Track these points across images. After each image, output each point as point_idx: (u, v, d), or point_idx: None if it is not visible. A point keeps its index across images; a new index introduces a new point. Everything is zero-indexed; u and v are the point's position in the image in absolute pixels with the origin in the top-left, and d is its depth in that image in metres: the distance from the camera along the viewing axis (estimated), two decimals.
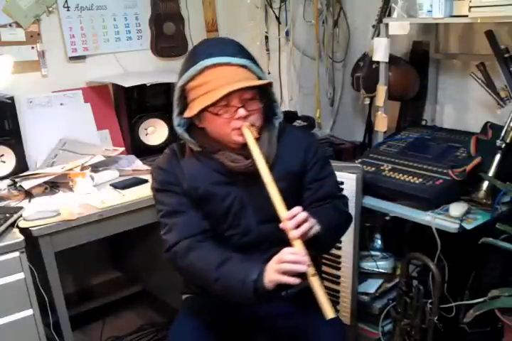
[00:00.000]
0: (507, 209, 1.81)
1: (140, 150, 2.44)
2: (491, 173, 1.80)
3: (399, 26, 2.14)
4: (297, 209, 1.28)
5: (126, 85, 2.29)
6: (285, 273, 1.24)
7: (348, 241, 2.04)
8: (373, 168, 2.10)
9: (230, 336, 1.55)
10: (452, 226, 1.75)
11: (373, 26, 2.37)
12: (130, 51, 2.56)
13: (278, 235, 1.29)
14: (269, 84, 1.44)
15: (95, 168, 2.12)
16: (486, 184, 1.80)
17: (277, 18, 2.72)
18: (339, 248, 2.07)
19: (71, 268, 2.49)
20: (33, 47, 2.27)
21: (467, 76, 2.22)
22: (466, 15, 1.86)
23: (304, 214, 1.28)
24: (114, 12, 2.48)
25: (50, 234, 1.76)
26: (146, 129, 2.47)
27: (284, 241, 1.28)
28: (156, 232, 1.53)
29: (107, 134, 2.45)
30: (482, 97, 2.21)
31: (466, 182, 1.86)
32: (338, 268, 2.10)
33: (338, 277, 2.10)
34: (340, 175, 1.97)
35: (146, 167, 2.22)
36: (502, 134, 1.83)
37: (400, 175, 2.01)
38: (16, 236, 1.67)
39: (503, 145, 1.82)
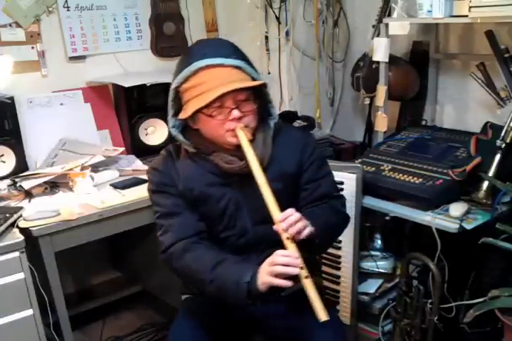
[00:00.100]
0: (507, 209, 1.81)
1: (140, 150, 2.43)
2: (491, 173, 1.80)
3: (399, 26, 2.14)
4: (290, 210, 1.28)
5: (126, 85, 2.29)
6: (277, 275, 1.24)
7: (348, 241, 2.04)
8: (373, 168, 2.10)
9: (229, 336, 1.55)
10: (452, 226, 1.75)
11: (373, 26, 2.37)
12: (130, 51, 2.56)
13: (274, 236, 1.29)
14: (263, 85, 1.44)
15: (95, 168, 2.12)
16: (486, 184, 1.80)
17: (277, 18, 2.72)
18: (339, 248, 2.07)
19: (71, 268, 2.49)
20: (33, 47, 2.27)
21: (467, 76, 2.22)
22: (466, 15, 1.86)
23: (296, 215, 1.28)
24: (114, 12, 2.48)
25: (50, 234, 1.76)
26: (146, 129, 2.46)
27: (281, 242, 1.28)
28: (156, 232, 1.53)
29: (107, 134, 2.45)
30: (482, 97, 2.21)
31: (466, 182, 1.86)
32: (338, 268, 2.10)
33: (338, 277, 2.10)
34: (340, 175, 1.98)
35: (146, 167, 2.22)
36: (502, 134, 1.83)
37: (400, 175, 2.01)
38: (16, 236, 1.67)
39: (503, 145, 1.82)
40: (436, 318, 1.85)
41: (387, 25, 2.19)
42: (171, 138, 1.54)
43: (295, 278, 1.24)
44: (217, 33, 2.79)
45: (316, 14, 2.70)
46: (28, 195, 1.97)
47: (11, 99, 2.14)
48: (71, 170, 2.00)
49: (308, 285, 1.21)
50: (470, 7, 1.82)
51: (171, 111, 1.47)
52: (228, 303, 1.38)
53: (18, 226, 1.73)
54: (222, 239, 1.49)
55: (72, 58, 2.40)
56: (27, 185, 1.96)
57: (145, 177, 2.09)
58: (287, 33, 2.73)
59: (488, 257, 1.85)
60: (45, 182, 2.01)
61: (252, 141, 1.42)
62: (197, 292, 1.56)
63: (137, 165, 2.26)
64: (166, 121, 2.45)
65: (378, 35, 2.28)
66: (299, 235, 1.28)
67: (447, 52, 2.41)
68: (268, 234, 1.31)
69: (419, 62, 2.43)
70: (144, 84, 2.32)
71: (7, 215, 1.74)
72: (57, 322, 1.85)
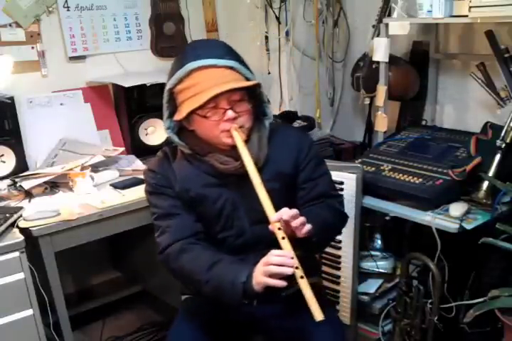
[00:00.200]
0: (507, 209, 1.81)
1: (140, 150, 2.43)
2: (491, 173, 1.80)
3: (399, 26, 2.14)
4: (285, 209, 1.28)
5: (126, 85, 2.29)
6: (272, 275, 1.24)
7: (348, 241, 2.04)
8: (373, 168, 2.10)
9: (228, 337, 1.55)
10: (452, 226, 1.75)
11: (373, 26, 2.37)
12: (130, 51, 2.56)
13: (272, 236, 1.28)
14: (257, 85, 1.43)
15: (95, 168, 2.12)
16: (486, 184, 1.80)
17: (277, 18, 2.72)
18: (339, 248, 2.07)
19: (71, 268, 2.49)
20: (33, 47, 2.27)
21: (467, 76, 2.22)
22: (466, 15, 1.86)
23: (294, 211, 1.27)
24: (114, 12, 2.48)
25: (50, 234, 1.75)
26: (146, 129, 2.46)
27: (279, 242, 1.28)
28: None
29: (107, 134, 2.45)
30: (482, 97, 2.21)
31: (466, 182, 1.86)
32: (338, 268, 2.10)
33: (338, 277, 2.10)
34: (340, 175, 1.98)
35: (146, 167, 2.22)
36: (502, 134, 1.84)
37: (400, 175, 2.01)
38: (16, 236, 1.67)
39: (503, 145, 1.82)
40: (436, 318, 1.85)
41: (387, 25, 2.19)
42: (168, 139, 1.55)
43: (291, 278, 1.24)
44: (217, 33, 2.79)
45: (316, 14, 2.70)
46: (28, 195, 1.97)
47: (11, 99, 2.14)
48: (71, 170, 2.00)
49: (304, 285, 1.21)
50: (470, 7, 1.82)
51: (165, 113, 1.47)
52: (224, 303, 1.38)
53: (18, 226, 1.73)
54: (220, 240, 1.49)
55: (72, 58, 2.40)
56: (27, 185, 1.96)
57: None
58: (287, 33, 2.73)
59: (488, 257, 1.85)
60: (45, 182, 2.01)
61: (247, 142, 1.42)
62: (196, 292, 1.56)
63: (137, 165, 2.26)
64: None
65: (378, 35, 2.28)
66: (298, 232, 1.28)
67: (447, 52, 2.41)
68: (266, 234, 1.31)
69: (419, 62, 2.43)
70: (144, 84, 2.32)
71: (7, 215, 1.74)
72: (57, 322, 1.84)
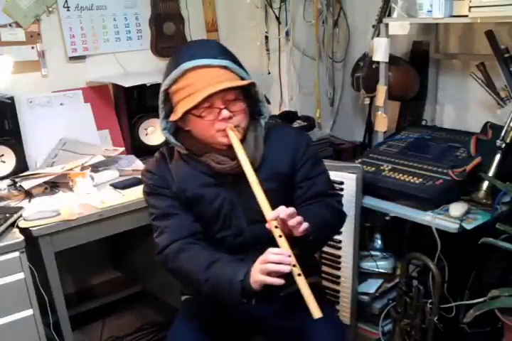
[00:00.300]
0: (507, 209, 1.81)
1: (140, 150, 2.43)
2: (491, 173, 1.80)
3: (399, 26, 2.14)
4: (282, 207, 1.28)
5: (126, 85, 2.29)
6: (270, 273, 1.24)
7: (348, 241, 2.04)
8: (373, 168, 2.10)
9: (228, 337, 1.55)
10: (452, 226, 1.75)
11: (373, 26, 2.37)
12: (130, 51, 2.56)
13: (271, 235, 1.28)
14: (252, 84, 1.44)
15: (95, 168, 2.12)
16: (486, 184, 1.80)
17: (277, 18, 2.72)
18: (339, 248, 2.07)
19: (71, 268, 2.49)
20: (33, 47, 2.27)
21: (467, 76, 2.22)
22: (466, 15, 1.86)
23: (289, 210, 1.27)
24: (114, 12, 2.48)
25: (50, 234, 1.75)
26: (146, 129, 2.46)
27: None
28: None
29: (107, 134, 2.45)
30: (482, 97, 2.21)
31: (466, 182, 1.86)
32: (338, 268, 2.10)
33: (338, 277, 2.10)
34: (340, 175, 1.98)
35: None
36: (502, 134, 1.83)
37: (400, 175, 2.01)
38: (16, 236, 1.67)
39: (503, 145, 1.82)
40: (436, 318, 1.85)
41: (387, 25, 2.19)
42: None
43: (289, 277, 1.24)
44: (217, 33, 2.79)
45: (316, 14, 2.70)
46: (28, 195, 1.97)
47: (11, 99, 2.14)
48: (71, 170, 2.00)
49: (301, 283, 1.21)
50: (470, 7, 1.82)
51: (161, 114, 1.47)
52: (223, 302, 1.39)
53: (18, 226, 1.73)
54: (218, 240, 1.50)
55: (72, 58, 2.40)
56: (27, 185, 1.96)
57: None
58: (287, 33, 2.73)
59: (488, 257, 1.85)
60: (45, 182, 2.01)
61: (243, 141, 1.42)
62: (195, 292, 1.56)
63: (137, 165, 2.26)
64: None
65: (378, 35, 2.28)
66: (295, 231, 1.28)
67: (447, 52, 2.41)
68: (264, 234, 1.31)
69: (419, 62, 2.43)
70: (144, 84, 2.32)
71: (7, 215, 1.74)
72: (57, 322, 1.85)
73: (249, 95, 1.46)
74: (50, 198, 1.97)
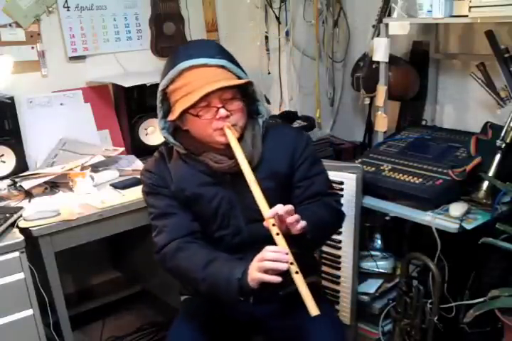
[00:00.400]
0: (507, 209, 1.81)
1: (140, 150, 2.43)
2: (491, 173, 1.80)
3: (399, 26, 2.14)
4: (279, 205, 1.28)
5: (126, 85, 2.29)
6: (267, 271, 1.24)
7: (348, 241, 2.04)
8: (373, 168, 2.10)
9: (228, 337, 1.55)
10: (452, 226, 1.75)
11: (373, 26, 2.37)
12: (130, 51, 2.56)
13: (269, 234, 1.28)
14: (249, 83, 1.44)
15: (95, 168, 2.12)
16: (486, 184, 1.80)
17: (277, 18, 2.72)
18: (339, 248, 2.07)
19: (71, 268, 2.49)
20: (33, 47, 2.27)
21: (467, 76, 2.22)
22: (466, 15, 1.86)
23: (286, 207, 1.27)
24: (114, 12, 2.48)
25: (50, 234, 1.75)
26: (146, 129, 2.46)
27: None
28: None
29: (107, 134, 2.45)
30: (482, 97, 2.21)
31: (466, 182, 1.86)
32: (338, 268, 2.10)
33: (338, 277, 2.10)
34: (340, 175, 1.98)
35: None
36: (502, 134, 1.83)
37: (400, 175, 2.01)
38: (16, 236, 1.67)
39: (503, 145, 1.82)
40: (436, 318, 1.85)
41: (387, 25, 2.19)
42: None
43: (287, 276, 1.23)
44: (217, 33, 2.79)
45: (316, 14, 2.71)
46: (28, 195, 1.97)
47: (11, 99, 2.14)
48: (71, 170, 2.00)
49: (299, 281, 1.21)
50: (470, 7, 1.82)
51: (160, 114, 1.48)
52: (221, 301, 1.39)
53: (18, 226, 1.73)
54: (216, 239, 1.50)
55: (72, 58, 2.39)
56: (27, 185, 1.96)
57: None
58: (287, 33, 2.73)
59: (488, 257, 1.85)
60: (45, 182, 2.01)
61: (240, 140, 1.42)
62: (195, 292, 1.56)
63: (137, 165, 2.26)
64: None
65: (378, 35, 2.28)
66: (292, 229, 1.28)
67: (447, 52, 2.41)
68: (262, 233, 1.31)
69: (419, 62, 2.43)
70: (144, 84, 2.31)
71: (7, 215, 1.74)
72: (57, 322, 1.85)
73: (246, 94, 1.46)
74: (50, 198, 1.97)
